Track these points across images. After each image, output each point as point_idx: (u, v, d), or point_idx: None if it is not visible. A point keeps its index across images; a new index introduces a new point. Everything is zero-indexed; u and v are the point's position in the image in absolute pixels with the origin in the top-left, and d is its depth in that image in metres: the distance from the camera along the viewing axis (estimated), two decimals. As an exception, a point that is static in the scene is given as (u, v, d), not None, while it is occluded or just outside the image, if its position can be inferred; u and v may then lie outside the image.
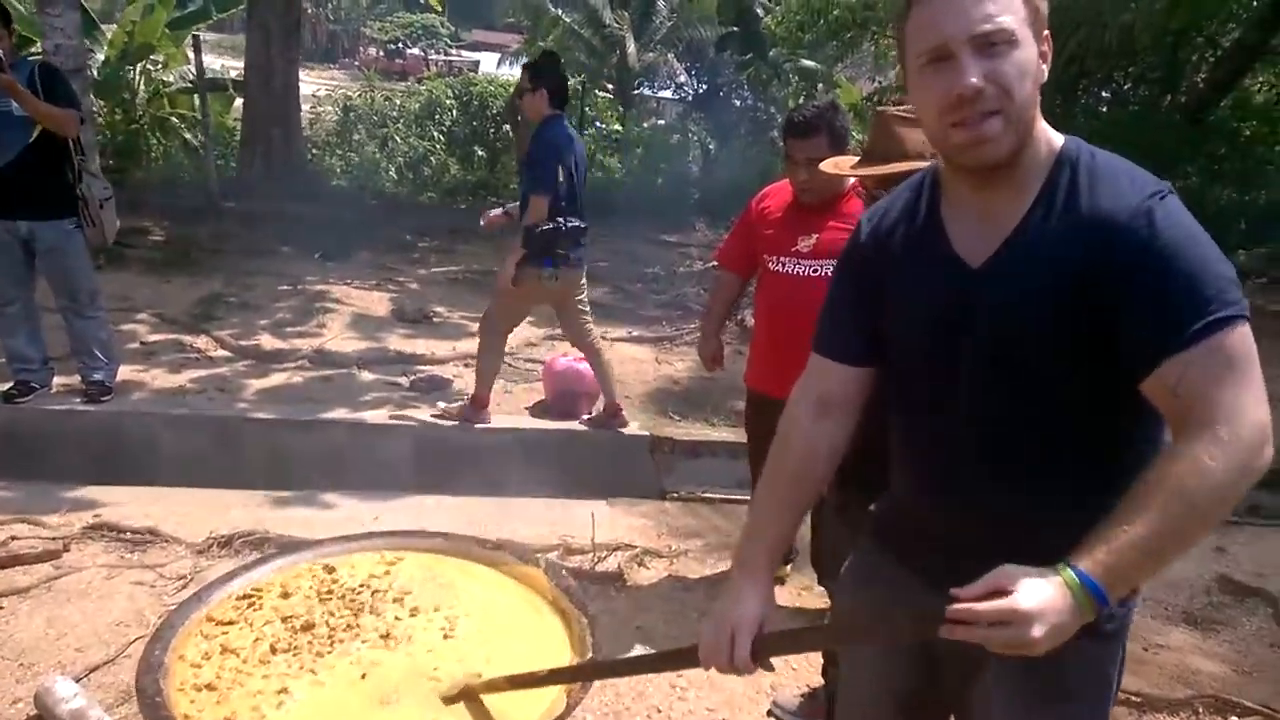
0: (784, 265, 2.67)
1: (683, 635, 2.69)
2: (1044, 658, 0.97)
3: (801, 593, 3.02)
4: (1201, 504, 0.94)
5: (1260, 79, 6.84)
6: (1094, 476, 1.10)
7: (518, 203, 3.89)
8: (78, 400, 3.86)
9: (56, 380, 3.98)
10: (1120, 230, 1.02)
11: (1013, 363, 1.09)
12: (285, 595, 1.82)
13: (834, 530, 2.16)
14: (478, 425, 3.93)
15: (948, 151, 1.11)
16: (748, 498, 3.11)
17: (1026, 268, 1.07)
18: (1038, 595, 0.92)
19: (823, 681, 2.32)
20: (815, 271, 2.60)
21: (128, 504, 3.34)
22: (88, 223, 3.82)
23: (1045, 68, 1.08)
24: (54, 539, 2.99)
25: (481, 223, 4.08)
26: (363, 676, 1.59)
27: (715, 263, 3.14)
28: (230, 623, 1.73)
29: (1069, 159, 1.09)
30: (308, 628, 1.72)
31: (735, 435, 3.91)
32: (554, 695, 1.51)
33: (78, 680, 2.22)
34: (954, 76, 1.03)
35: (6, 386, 3.83)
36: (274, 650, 1.65)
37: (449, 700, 1.52)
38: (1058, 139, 1.11)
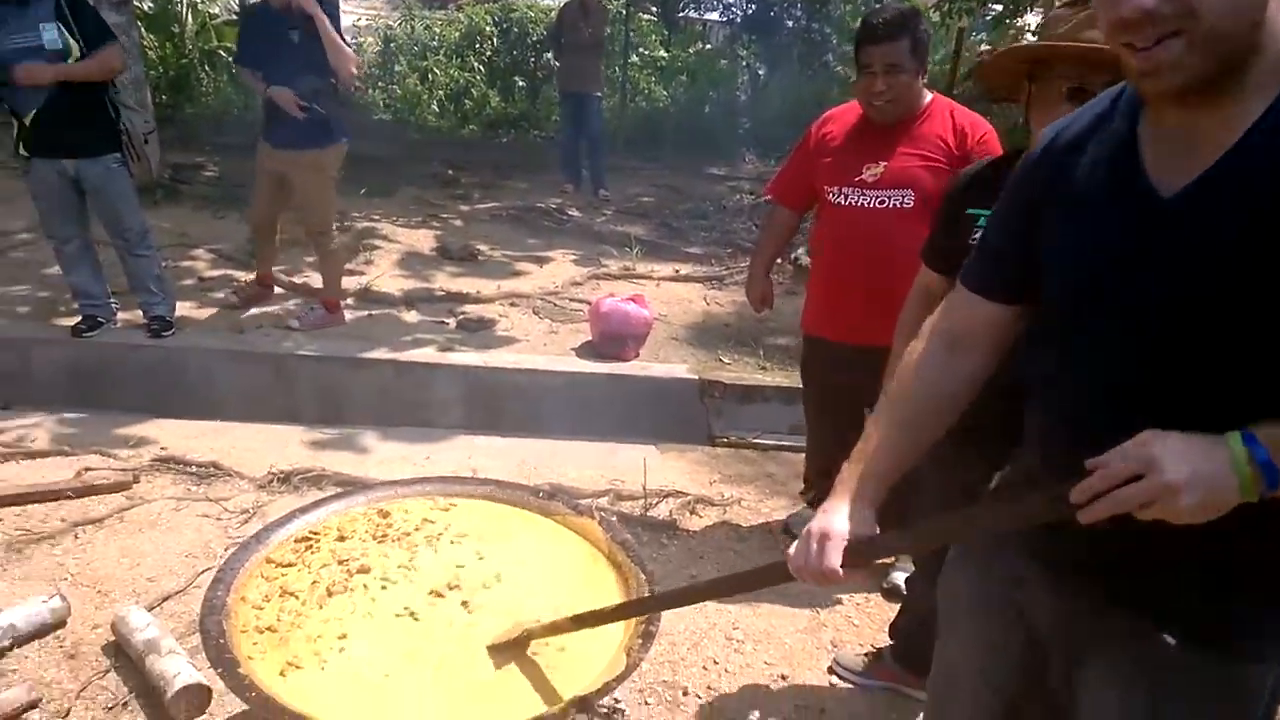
0: (846, 196, 2.44)
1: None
2: (1174, 679, 0.89)
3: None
4: None
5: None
6: None
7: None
8: (141, 335, 3.95)
9: (120, 315, 4.08)
10: None
11: (1177, 327, 0.90)
12: (341, 538, 1.85)
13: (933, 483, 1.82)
14: (331, 328, 4.18)
15: (1127, 75, 0.93)
16: (803, 444, 3.05)
17: (1219, 206, 0.86)
18: (1186, 460, 0.81)
19: (890, 641, 2.24)
20: (883, 203, 2.38)
21: (192, 437, 3.43)
22: (132, 158, 3.82)
23: None
24: (125, 470, 3.10)
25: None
26: (416, 620, 1.62)
27: (767, 197, 2.91)
28: (289, 565, 1.77)
29: None
30: (364, 570, 1.75)
31: (788, 379, 3.84)
32: (613, 653, 1.51)
33: (150, 609, 2.31)
34: None
35: (75, 321, 3.93)
36: (330, 593, 1.68)
37: (500, 647, 1.53)
38: None
